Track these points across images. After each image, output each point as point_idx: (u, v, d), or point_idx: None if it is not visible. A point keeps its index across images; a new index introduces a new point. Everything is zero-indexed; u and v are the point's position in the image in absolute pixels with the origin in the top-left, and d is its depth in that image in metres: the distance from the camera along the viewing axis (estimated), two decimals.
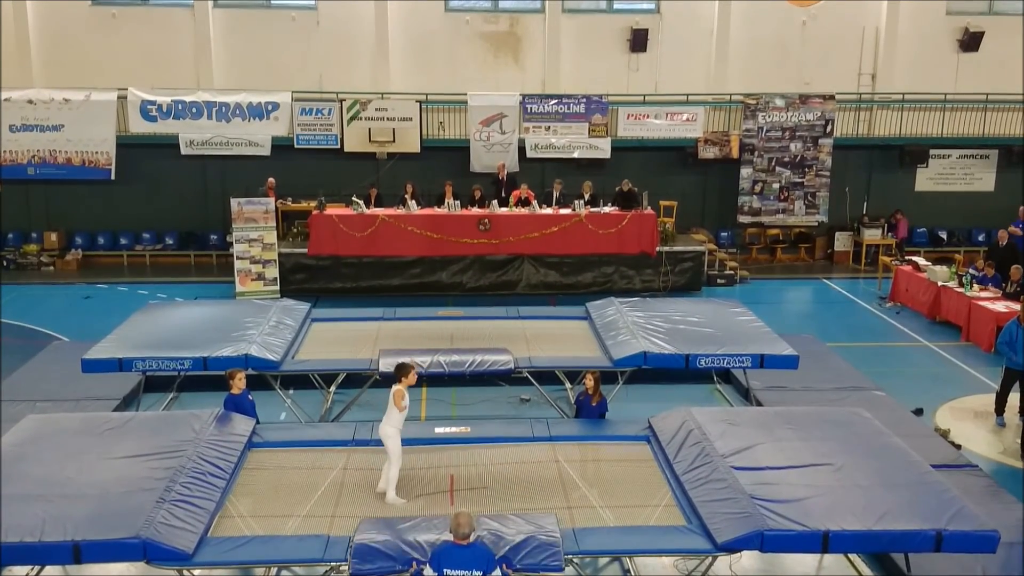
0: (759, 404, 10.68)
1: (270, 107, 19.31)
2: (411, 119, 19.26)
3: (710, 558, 6.79)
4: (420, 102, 19.35)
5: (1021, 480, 8.35)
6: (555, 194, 17.95)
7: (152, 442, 7.66)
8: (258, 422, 8.65)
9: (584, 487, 7.58)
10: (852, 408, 8.95)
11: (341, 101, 19.23)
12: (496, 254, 17.01)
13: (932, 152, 20.70)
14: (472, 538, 6.03)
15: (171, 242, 20.24)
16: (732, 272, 18.44)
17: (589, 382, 9.04)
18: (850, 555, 7.52)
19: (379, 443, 8.34)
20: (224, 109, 19.22)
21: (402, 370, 7.82)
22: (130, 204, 19.86)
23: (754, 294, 17.38)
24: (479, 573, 5.91)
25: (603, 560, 7.62)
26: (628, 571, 7.51)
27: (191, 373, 10.53)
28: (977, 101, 20.36)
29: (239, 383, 8.71)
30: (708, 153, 19.94)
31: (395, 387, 7.71)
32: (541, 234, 16.84)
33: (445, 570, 5.95)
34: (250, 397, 8.84)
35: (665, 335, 10.62)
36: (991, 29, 20.58)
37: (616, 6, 20.79)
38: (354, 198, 17.22)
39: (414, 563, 6.13)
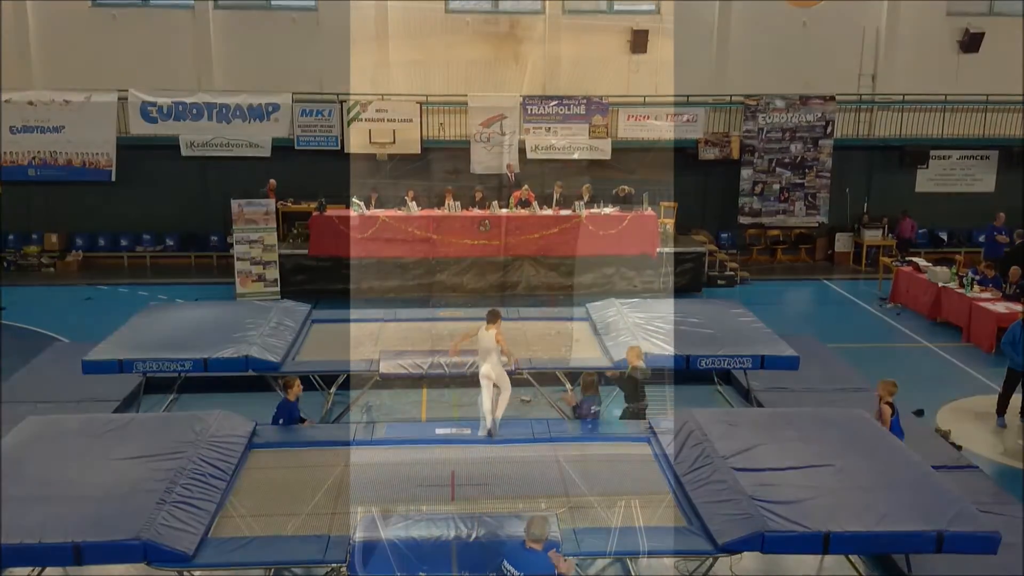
0: (760, 405, 10.69)
1: (270, 108, 19.33)
2: (411, 120, 19.25)
3: (711, 559, 6.78)
4: (420, 103, 19.35)
5: (1022, 481, 8.34)
6: (555, 196, 17.95)
7: (153, 443, 7.66)
8: None
9: (585, 488, 7.58)
10: (853, 409, 8.95)
11: (341, 102, 19.23)
12: (496, 255, 16.99)
13: (932, 153, 20.67)
14: (543, 545, 5.97)
15: (172, 243, 20.22)
16: (732, 273, 18.44)
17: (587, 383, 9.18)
18: (851, 556, 7.51)
19: (379, 443, 8.41)
20: (224, 110, 19.23)
21: (496, 314, 8.98)
22: (131, 205, 19.83)
23: (754, 295, 17.35)
24: None
25: (604, 561, 7.60)
26: (629, 572, 7.50)
27: (191, 374, 10.58)
28: (977, 102, 20.34)
29: (296, 390, 8.91)
30: (708, 154, 19.94)
31: (492, 330, 8.80)
32: (541, 235, 16.84)
33: (504, 562, 5.99)
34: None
35: (666, 336, 10.63)
36: (991, 30, 20.55)
37: (616, 7, 20.77)
38: (354, 199, 17.22)
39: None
